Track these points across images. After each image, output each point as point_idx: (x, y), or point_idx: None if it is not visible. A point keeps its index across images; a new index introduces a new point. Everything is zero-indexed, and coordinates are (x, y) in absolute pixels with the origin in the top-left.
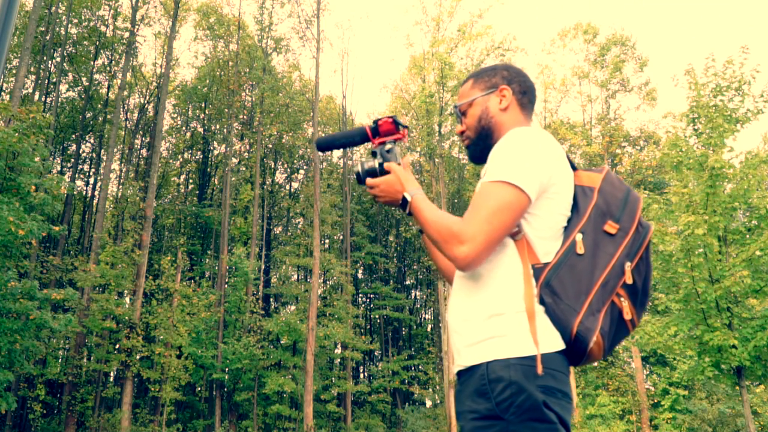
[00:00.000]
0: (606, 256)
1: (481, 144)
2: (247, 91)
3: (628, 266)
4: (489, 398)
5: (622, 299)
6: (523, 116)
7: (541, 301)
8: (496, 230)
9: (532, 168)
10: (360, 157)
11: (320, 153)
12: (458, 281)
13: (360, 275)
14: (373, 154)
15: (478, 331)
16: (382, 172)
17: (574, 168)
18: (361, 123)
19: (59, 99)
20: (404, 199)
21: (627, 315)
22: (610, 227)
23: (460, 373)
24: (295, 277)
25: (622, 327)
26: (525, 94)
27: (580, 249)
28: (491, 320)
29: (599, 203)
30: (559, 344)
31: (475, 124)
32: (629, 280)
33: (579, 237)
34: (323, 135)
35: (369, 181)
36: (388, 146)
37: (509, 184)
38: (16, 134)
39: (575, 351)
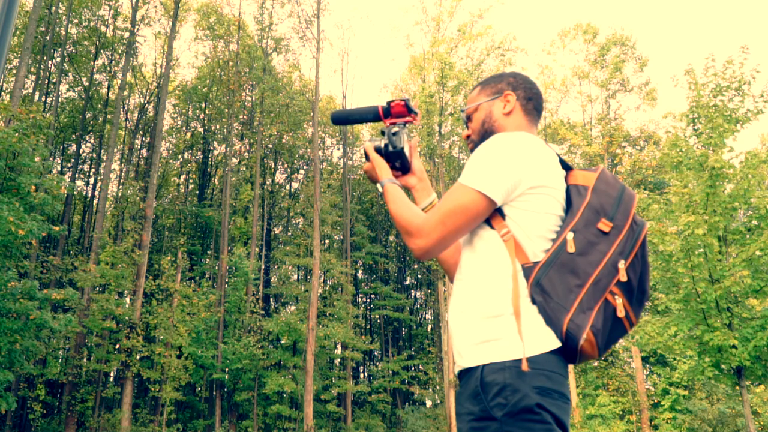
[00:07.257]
0: (598, 254)
1: None
2: (247, 91)
3: (622, 264)
4: (485, 400)
5: (616, 297)
6: (527, 121)
7: (533, 301)
8: (449, 230)
9: (499, 172)
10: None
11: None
12: (456, 283)
13: (360, 275)
14: (382, 133)
15: (476, 333)
16: (386, 152)
17: (569, 168)
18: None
19: (59, 99)
20: (381, 185)
21: (621, 313)
22: (604, 225)
23: (460, 374)
24: (295, 277)
25: (617, 325)
26: (530, 100)
27: (571, 248)
28: (487, 322)
29: (593, 201)
30: (552, 343)
31: (479, 128)
32: (623, 278)
33: (570, 236)
34: (338, 109)
35: (365, 160)
36: (394, 129)
37: (470, 188)
38: (16, 134)
39: (567, 349)
